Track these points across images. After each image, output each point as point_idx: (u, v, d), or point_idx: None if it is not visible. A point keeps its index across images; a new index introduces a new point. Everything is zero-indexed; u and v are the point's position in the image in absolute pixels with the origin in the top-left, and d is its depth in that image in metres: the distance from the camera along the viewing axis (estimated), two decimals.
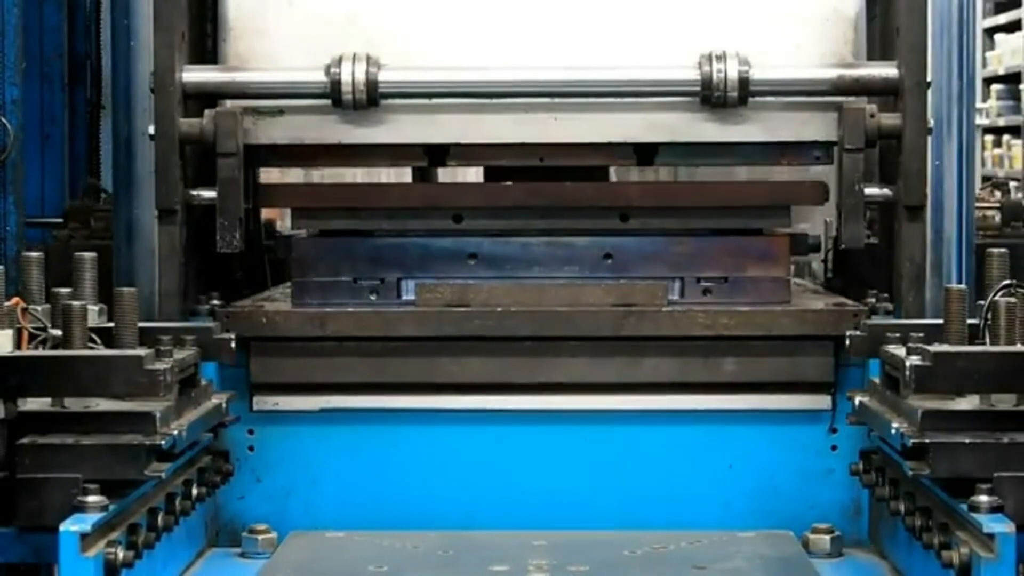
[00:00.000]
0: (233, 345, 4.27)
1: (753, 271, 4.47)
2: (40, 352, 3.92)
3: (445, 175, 5.44)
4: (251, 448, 4.37)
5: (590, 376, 4.36)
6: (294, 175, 5.95)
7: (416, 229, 4.51)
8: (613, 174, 7.27)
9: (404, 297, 4.46)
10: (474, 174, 5.17)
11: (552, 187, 4.50)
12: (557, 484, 4.38)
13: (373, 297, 4.45)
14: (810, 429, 4.36)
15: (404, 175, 5.42)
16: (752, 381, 4.35)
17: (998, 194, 6.04)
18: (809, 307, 4.43)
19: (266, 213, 6.99)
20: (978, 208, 4.59)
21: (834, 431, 4.37)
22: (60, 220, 5.61)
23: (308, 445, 4.39)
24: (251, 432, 4.40)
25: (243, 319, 4.33)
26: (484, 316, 4.31)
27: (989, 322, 3.94)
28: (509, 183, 4.62)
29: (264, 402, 4.38)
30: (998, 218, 5.86)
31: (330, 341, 4.33)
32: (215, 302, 4.37)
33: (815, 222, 5.18)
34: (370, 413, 4.36)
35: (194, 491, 4.00)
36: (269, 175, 5.02)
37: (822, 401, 4.35)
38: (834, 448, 4.34)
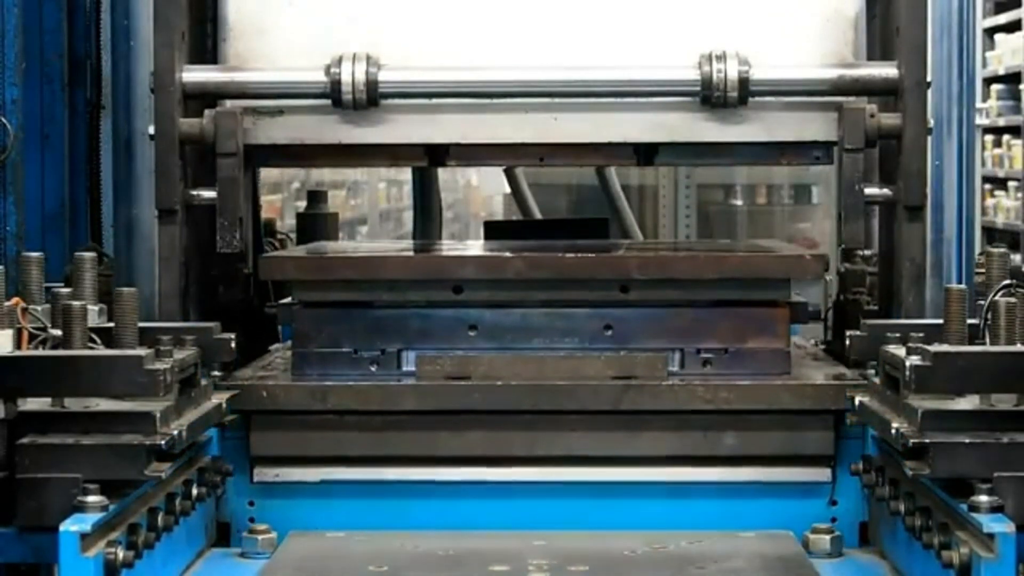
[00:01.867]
0: (233, 345, 4.27)
1: (753, 342, 4.43)
2: (40, 352, 3.92)
3: (447, 174, 5.44)
4: (252, 520, 4.31)
5: (590, 449, 4.33)
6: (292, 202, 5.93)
7: (416, 300, 4.47)
8: (614, 174, 7.30)
9: (405, 368, 4.44)
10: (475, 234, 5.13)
11: (552, 259, 4.49)
12: None
13: (374, 368, 4.43)
14: (810, 502, 4.32)
15: (404, 175, 5.43)
16: (752, 454, 4.32)
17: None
18: (809, 380, 4.39)
19: (266, 213, 7.01)
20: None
21: (834, 503, 4.33)
22: (62, 283, 5.60)
23: (308, 516, 4.33)
24: (251, 504, 4.35)
25: (244, 392, 4.30)
26: (484, 390, 4.30)
27: (989, 322, 3.94)
28: (509, 254, 4.58)
29: (264, 474, 4.34)
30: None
31: (331, 414, 4.31)
32: (215, 373, 4.30)
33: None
34: (370, 485, 4.33)
35: (194, 491, 4.00)
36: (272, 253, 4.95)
37: (822, 474, 4.32)
38: (834, 520, 4.28)
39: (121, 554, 3.44)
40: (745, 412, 4.29)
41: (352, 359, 4.43)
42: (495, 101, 4.65)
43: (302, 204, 7.28)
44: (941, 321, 4.01)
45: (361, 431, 4.32)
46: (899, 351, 3.94)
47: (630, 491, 4.32)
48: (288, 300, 4.61)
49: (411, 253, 5.00)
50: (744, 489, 4.32)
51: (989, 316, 3.94)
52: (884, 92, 4.59)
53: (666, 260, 4.60)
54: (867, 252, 4.94)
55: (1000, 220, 17.38)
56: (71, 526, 3.37)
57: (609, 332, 4.45)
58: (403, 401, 4.31)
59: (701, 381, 4.33)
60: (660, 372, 4.35)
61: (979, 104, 16.49)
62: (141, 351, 3.81)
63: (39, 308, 4.04)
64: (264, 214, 6.20)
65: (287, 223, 7.55)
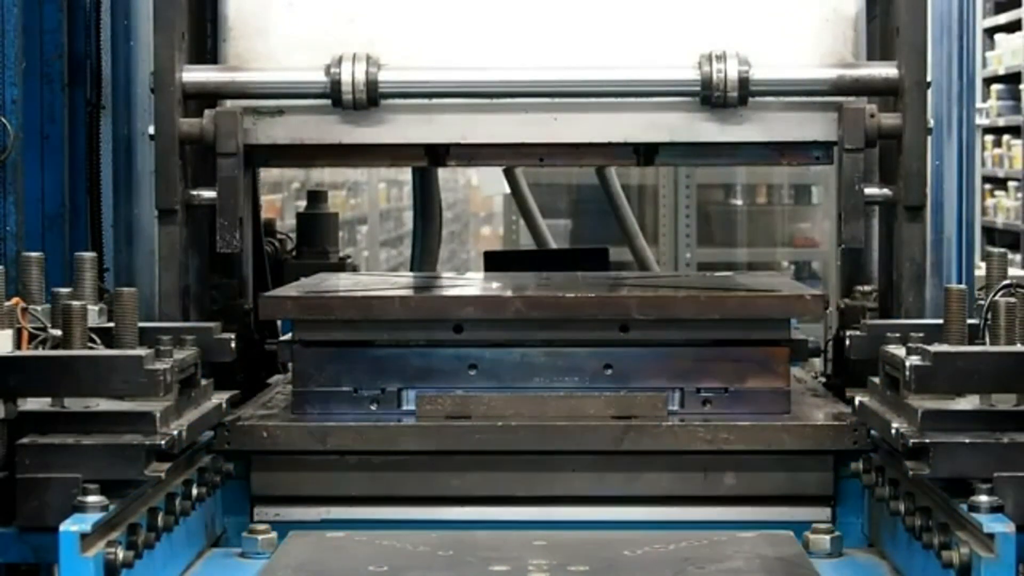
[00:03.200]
0: (233, 345, 4.27)
1: (753, 382, 4.41)
2: (40, 352, 3.92)
3: (447, 174, 5.43)
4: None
5: (590, 489, 4.34)
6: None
7: (417, 340, 4.45)
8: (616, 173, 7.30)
9: (405, 407, 4.42)
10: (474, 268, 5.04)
11: (552, 298, 4.47)
12: None
13: (374, 407, 4.42)
14: None
15: (404, 175, 5.42)
16: (752, 494, 4.33)
17: None
18: (809, 420, 4.36)
19: (266, 213, 7.01)
20: None
21: None
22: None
23: None
24: None
25: (244, 433, 4.28)
26: (485, 431, 4.28)
27: (989, 322, 3.94)
28: (509, 293, 4.58)
29: (265, 513, 4.33)
30: None
31: (331, 455, 4.31)
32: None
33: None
34: (370, 524, 4.29)
35: (194, 491, 4.00)
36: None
37: (822, 513, 4.30)
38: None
39: (121, 554, 3.43)
40: (745, 452, 4.29)
41: (352, 398, 4.42)
42: (495, 101, 4.65)
43: (302, 204, 7.27)
44: (941, 321, 4.00)
45: (361, 471, 4.33)
46: (899, 351, 3.94)
47: (630, 530, 4.22)
48: (287, 337, 4.57)
49: (411, 292, 4.96)
50: (744, 528, 4.22)
51: (989, 316, 3.94)
52: (884, 92, 4.59)
53: (666, 300, 4.55)
54: (867, 288, 4.92)
55: (1000, 220, 17.39)
56: (71, 526, 3.37)
57: (609, 371, 4.44)
58: (403, 441, 4.31)
59: (701, 421, 4.32)
60: (660, 411, 4.35)
61: (979, 104, 16.49)
62: (141, 351, 3.81)
63: (39, 308, 4.04)
64: (264, 214, 6.21)
65: (287, 223, 7.54)
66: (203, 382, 4.15)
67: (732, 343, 4.44)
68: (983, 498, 3.47)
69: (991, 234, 17.49)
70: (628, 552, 4.00)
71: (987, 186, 17.77)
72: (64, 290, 4.13)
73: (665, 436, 4.28)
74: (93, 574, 3.35)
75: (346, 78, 4.54)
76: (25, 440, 3.63)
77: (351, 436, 4.29)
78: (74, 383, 3.72)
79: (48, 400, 3.75)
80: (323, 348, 4.44)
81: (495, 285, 5.21)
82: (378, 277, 6.05)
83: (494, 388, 4.42)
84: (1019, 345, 3.83)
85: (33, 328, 3.97)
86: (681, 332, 4.44)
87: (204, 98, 4.62)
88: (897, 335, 4.13)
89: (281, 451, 4.31)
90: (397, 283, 5.21)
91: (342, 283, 5.11)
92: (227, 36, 4.71)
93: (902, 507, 3.85)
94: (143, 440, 3.64)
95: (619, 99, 4.64)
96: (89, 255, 4.27)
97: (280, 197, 15.33)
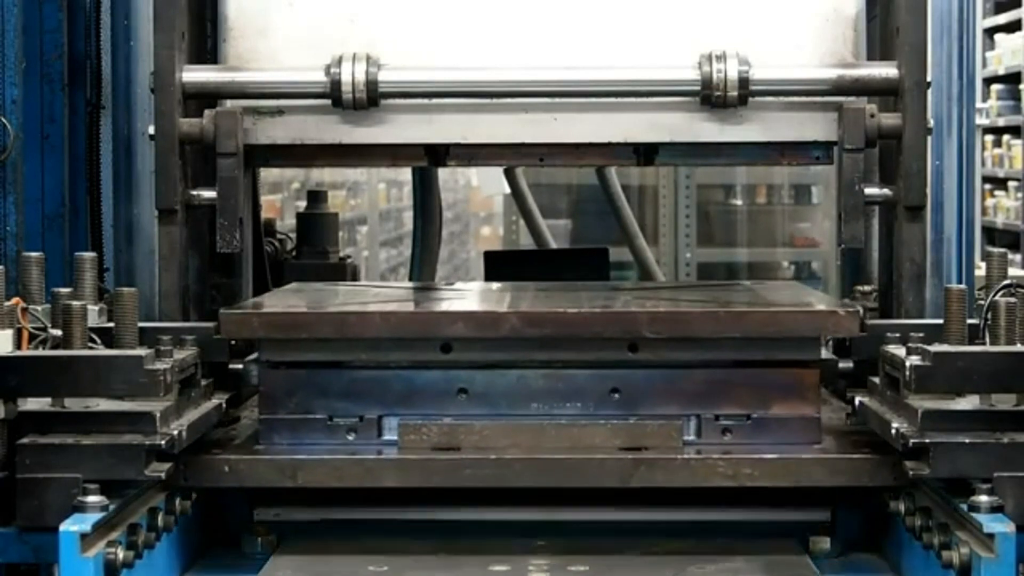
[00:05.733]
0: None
1: (779, 408, 4.03)
2: (40, 352, 3.92)
3: (447, 174, 5.40)
4: None
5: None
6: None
7: (399, 360, 4.07)
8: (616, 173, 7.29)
9: (385, 437, 4.04)
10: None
11: (552, 314, 4.05)
12: None
13: (351, 437, 4.04)
14: None
15: (404, 175, 5.40)
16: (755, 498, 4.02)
17: None
18: (844, 453, 3.97)
19: (266, 213, 7.01)
20: None
21: None
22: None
23: None
24: None
25: (202, 468, 3.90)
26: (476, 465, 3.90)
27: (989, 322, 3.94)
28: (504, 309, 4.15)
29: (265, 513, 4.13)
30: None
31: (302, 491, 3.97)
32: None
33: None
34: (370, 525, 4.10)
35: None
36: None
37: (822, 515, 4.08)
38: None
39: (121, 554, 3.44)
40: (772, 489, 3.94)
41: (327, 427, 4.05)
42: (495, 101, 4.65)
43: (302, 204, 7.28)
44: (941, 321, 4.00)
45: (336, 507, 4.07)
46: (899, 351, 3.94)
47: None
48: (254, 357, 4.21)
49: (393, 306, 4.43)
50: (746, 528, 4.10)
51: (989, 316, 3.94)
52: (884, 92, 4.59)
53: (681, 316, 4.09)
54: (867, 288, 4.89)
55: (1000, 220, 17.39)
56: (71, 526, 3.37)
57: (616, 396, 4.07)
58: (384, 476, 3.93)
59: (721, 453, 3.94)
60: (674, 441, 4.00)
61: (979, 104, 16.49)
62: (141, 351, 3.82)
63: (39, 308, 4.04)
64: (264, 214, 6.21)
65: (287, 223, 7.54)
66: (203, 382, 4.14)
67: (756, 364, 4.07)
68: (983, 498, 3.47)
69: (991, 234, 17.49)
70: (628, 552, 4.00)
71: (987, 186, 17.77)
72: (64, 290, 4.13)
73: (680, 471, 3.90)
74: (93, 574, 3.36)
75: (346, 78, 4.54)
76: (25, 440, 3.63)
77: (324, 471, 3.92)
78: (74, 383, 3.72)
79: (48, 400, 3.75)
80: (293, 370, 4.08)
81: (488, 298, 4.94)
82: (360, 287, 5.56)
83: (486, 415, 4.06)
84: (1019, 345, 3.84)
85: (33, 328, 3.97)
86: (698, 352, 4.07)
87: (204, 98, 4.62)
88: (897, 335, 4.13)
89: (244, 489, 4.01)
90: (379, 295, 4.86)
91: (317, 295, 4.81)
92: (227, 36, 4.71)
93: (902, 507, 3.84)
94: (143, 440, 3.64)
95: (619, 99, 4.63)
96: (89, 255, 4.27)
97: (280, 197, 15.33)
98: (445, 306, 4.61)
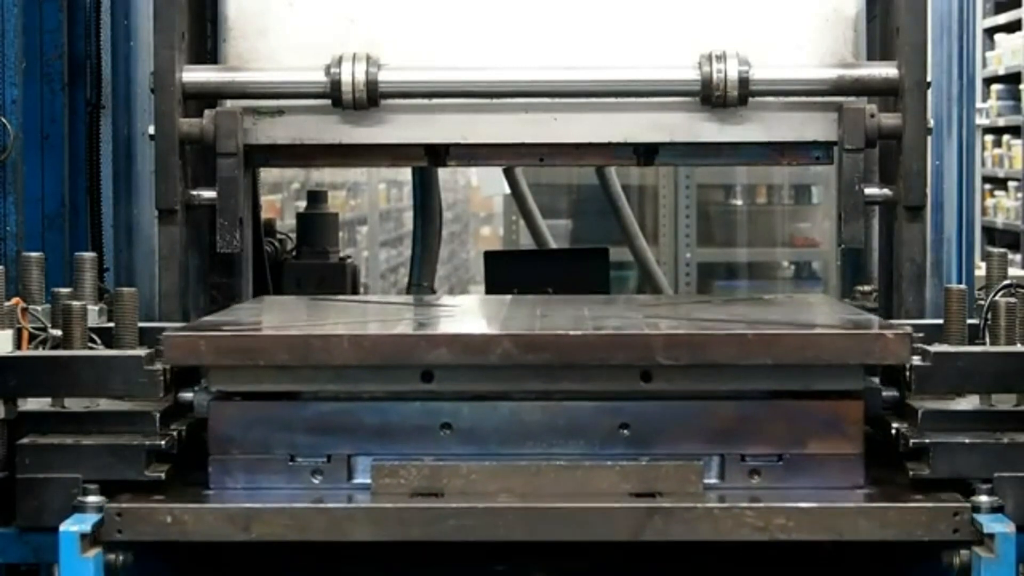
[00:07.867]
0: None
1: (815, 447, 3.53)
2: (40, 352, 3.92)
3: (447, 174, 5.39)
4: None
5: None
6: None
7: (372, 391, 3.58)
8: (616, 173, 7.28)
9: (356, 480, 3.56)
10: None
11: (551, 338, 3.54)
12: None
13: (316, 480, 3.54)
14: None
15: (404, 175, 5.40)
16: None
17: None
18: (894, 501, 3.45)
19: (266, 213, 7.01)
20: None
21: None
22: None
23: None
24: None
25: (139, 519, 3.39)
26: (462, 514, 3.39)
27: (989, 322, 3.94)
28: (495, 331, 3.73)
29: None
30: None
31: (257, 546, 3.45)
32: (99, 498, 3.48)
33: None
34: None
35: None
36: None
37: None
38: None
39: (121, 555, 3.43)
40: (810, 544, 3.46)
41: (288, 469, 3.55)
42: (495, 101, 4.65)
43: (302, 204, 7.28)
44: (941, 321, 4.01)
45: (297, 566, 3.64)
46: None
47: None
48: (202, 386, 3.73)
49: (366, 327, 3.96)
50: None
51: (989, 316, 3.94)
52: (884, 92, 4.59)
53: (702, 339, 3.56)
54: (867, 288, 4.89)
55: (1000, 220, 17.38)
56: (71, 526, 3.37)
57: (626, 433, 3.57)
58: (353, 528, 3.41)
59: (748, 500, 3.43)
60: (694, 487, 3.48)
61: (979, 104, 16.49)
62: (141, 351, 3.81)
63: (39, 308, 4.04)
64: (264, 214, 6.21)
65: (287, 223, 7.54)
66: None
67: (789, 395, 3.59)
68: (983, 498, 3.47)
69: (991, 234, 17.48)
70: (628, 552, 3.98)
71: (987, 186, 17.76)
72: (64, 290, 4.13)
73: (701, 521, 3.38)
74: (93, 574, 3.35)
75: (346, 78, 4.54)
76: (25, 440, 3.63)
77: (283, 521, 3.39)
78: (74, 383, 3.72)
79: (48, 400, 3.75)
80: (247, 402, 3.60)
81: (478, 317, 4.53)
82: (338, 301, 5.01)
83: (474, 455, 3.55)
84: (1019, 345, 3.84)
85: (33, 328, 3.97)
86: (722, 381, 3.57)
87: (204, 98, 4.62)
88: None
89: (189, 543, 3.46)
90: (352, 313, 4.39)
91: (285, 312, 4.46)
92: (227, 36, 4.71)
93: None
94: (143, 440, 3.64)
95: (619, 99, 4.64)
96: (89, 255, 4.28)
97: (280, 197, 15.32)
98: (427, 327, 4.09)
